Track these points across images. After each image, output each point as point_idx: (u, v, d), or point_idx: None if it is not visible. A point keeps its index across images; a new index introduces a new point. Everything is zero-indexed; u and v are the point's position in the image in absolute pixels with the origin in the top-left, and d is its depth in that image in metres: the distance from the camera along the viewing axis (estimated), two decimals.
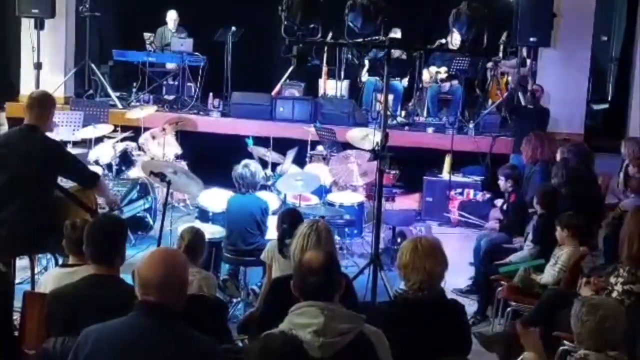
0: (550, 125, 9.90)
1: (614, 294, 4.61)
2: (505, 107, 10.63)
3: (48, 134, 5.52)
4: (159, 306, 2.86)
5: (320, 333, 2.96)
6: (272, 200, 7.24)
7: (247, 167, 6.74)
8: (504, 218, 7.49)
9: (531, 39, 9.93)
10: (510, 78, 11.06)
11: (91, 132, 9.10)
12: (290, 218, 5.27)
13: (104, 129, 9.28)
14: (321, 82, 11.40)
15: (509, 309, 5.82)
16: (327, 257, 3.21)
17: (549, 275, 5.75)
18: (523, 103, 10.28)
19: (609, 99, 13.10)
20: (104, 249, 3.66)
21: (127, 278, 3.70)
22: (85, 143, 9.32)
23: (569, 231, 5.76)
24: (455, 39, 9.92)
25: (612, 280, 4.73)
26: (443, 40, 10.25)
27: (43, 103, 5.43)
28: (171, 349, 2.84)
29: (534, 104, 9.70)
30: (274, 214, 6.82)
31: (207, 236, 6.13)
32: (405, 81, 11.26)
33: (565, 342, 4.38)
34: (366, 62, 11.20)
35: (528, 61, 10.88)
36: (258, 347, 2.71)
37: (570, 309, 3.59)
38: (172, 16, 11.78)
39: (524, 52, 10.80)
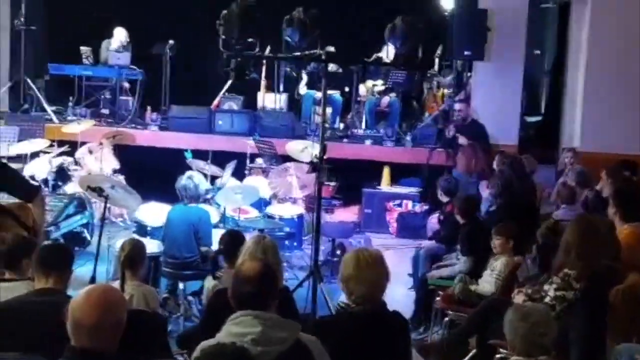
0: None
1: (547, 299, 4.72)
2: (441, 119, 10.82)
3: None
4: (91, 353, 2.70)
5: (258, 342, 2.97)
6: (211, 214, 7.22)
7: (191, 179, 6.78)
8: (442, 229, 7.60)
9: (466, 53, 10.11)
10: (446, 91, 11.25)
11: (27, 147, 8.97)
12: (229, 240, 5.27)
13: (39, 143, 9.15)
14: (260, 95, 11.41)
15: (446, 318, 5.92)
16: (262, 267, 3.23)
17: (486, 284, 5.86)
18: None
19: (542, 111, 13.42)
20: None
21: None
22: (21, 158, 9.15)
23: (503, 240, 5.88)
24: (390, 53, 10.07)
25: (546, 287, 4.84)
26: (379, 54, 10.38)
27: None
28: None
29: (464, 120, 9.85)
30: (215, 227, 6.84)
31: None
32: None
33: (501, 350, 4.46)
34: (304, 75, 11.25)
35: (468, 78, 11.00)
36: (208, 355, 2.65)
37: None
38: (119, 36, 11.31)
39: (459, 65, 11.00)
